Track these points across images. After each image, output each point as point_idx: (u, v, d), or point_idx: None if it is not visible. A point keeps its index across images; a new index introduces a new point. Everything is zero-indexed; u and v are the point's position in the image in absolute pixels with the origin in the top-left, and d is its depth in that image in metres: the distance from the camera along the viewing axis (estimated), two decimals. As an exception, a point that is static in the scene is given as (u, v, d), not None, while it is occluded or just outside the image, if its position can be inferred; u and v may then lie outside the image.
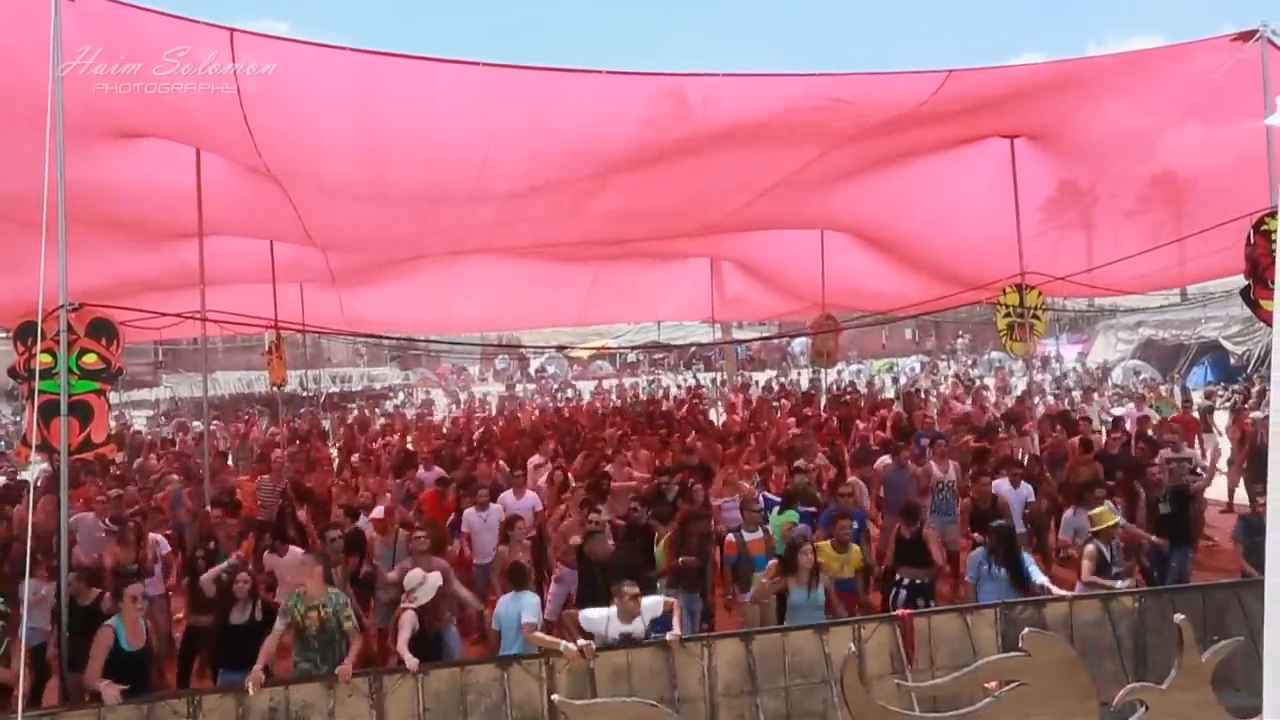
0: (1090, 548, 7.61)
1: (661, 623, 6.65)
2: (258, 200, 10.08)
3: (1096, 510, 7.86)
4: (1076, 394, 22.06)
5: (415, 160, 8.86)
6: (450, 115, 7.89)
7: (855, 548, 8.00)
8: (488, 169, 9.02)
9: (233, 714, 5.91)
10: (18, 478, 13.21)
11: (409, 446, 15.29)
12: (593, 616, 6.56)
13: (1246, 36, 7.81)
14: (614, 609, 6.50)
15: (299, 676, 6.26)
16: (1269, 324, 8.44)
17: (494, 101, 7.63)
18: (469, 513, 9.49)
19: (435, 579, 7.04)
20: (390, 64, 6.97)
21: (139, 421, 25.82)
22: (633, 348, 31.77)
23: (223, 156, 9.11)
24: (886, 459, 10.77)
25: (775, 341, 40.60)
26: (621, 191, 10.19)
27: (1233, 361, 26.66)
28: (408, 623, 6.62)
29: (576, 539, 8.19)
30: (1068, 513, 9.11)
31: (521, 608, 6.77)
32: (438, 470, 11.70)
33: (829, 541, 7.94)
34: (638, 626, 6.51)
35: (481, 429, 17.49)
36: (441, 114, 7.87)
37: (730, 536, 8.45)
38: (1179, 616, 5.40)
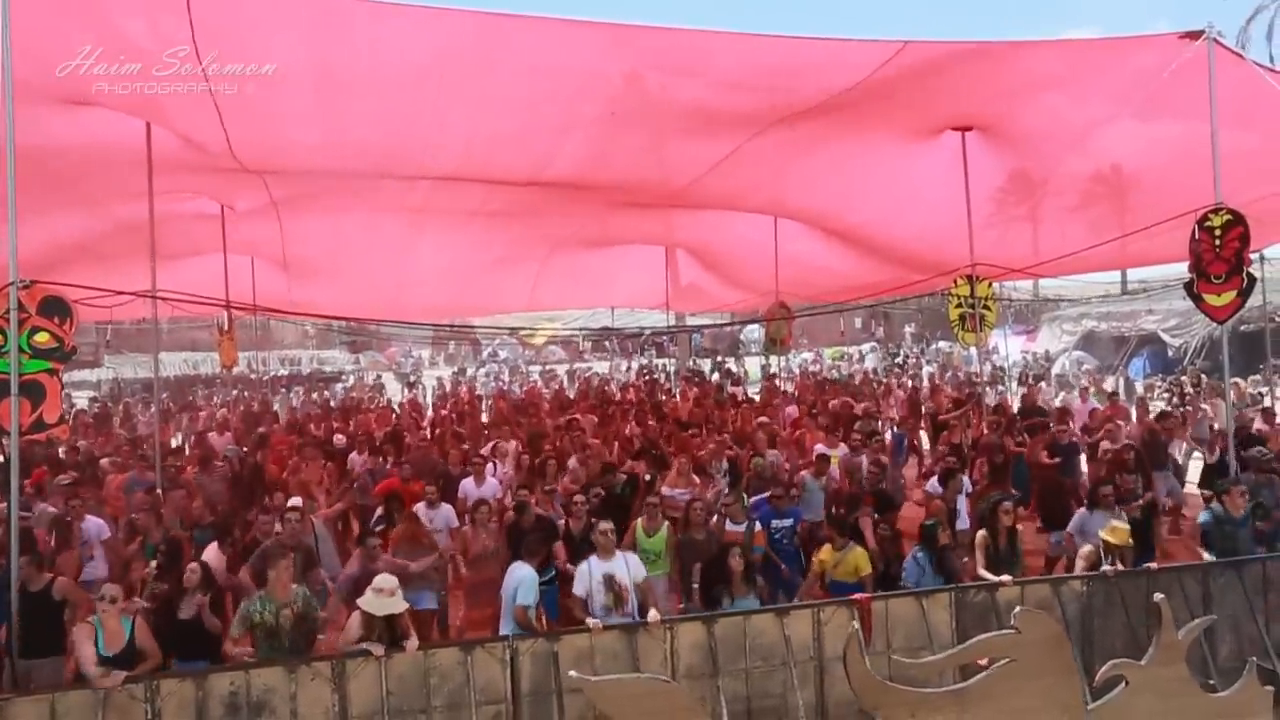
0: (1088, 549, 7.67)
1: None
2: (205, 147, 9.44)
3: (1117, 525, 7.68)
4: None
5: (367, 96, 8.45)
6: (402, 58, 7.63)
7: (858, 549, 7.75)
8: (441, 120, 8.88)
9: (192, 700, 5.85)
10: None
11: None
12: (580, 570, 7.02)
13: (1194, 36, 7.99)
14: (593, 558, 6.99)
15: (261, 661, 6.19)
16: (1210, 317, 8.72)
17: (448, 47, 7.43)
18: (419, 508, 9.09)
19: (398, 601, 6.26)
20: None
21: (80, 402, 25.25)
22: (585, 332, 31.59)
23: (172, 118, 8.69)
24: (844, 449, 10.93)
25: (728, 329, 40.73)
26: (578, 144, 9.86)
27: (1170, 354, 27.42)
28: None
29: None
30: (1081, 510, 8.72)
31: (518, 584, 6.84)
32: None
33: (827, 545, 7.87)
34: (619, 565, 6.90)
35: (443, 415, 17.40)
36: (394, 55, 7.60)
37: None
38: (1158, 596, 5.78)
